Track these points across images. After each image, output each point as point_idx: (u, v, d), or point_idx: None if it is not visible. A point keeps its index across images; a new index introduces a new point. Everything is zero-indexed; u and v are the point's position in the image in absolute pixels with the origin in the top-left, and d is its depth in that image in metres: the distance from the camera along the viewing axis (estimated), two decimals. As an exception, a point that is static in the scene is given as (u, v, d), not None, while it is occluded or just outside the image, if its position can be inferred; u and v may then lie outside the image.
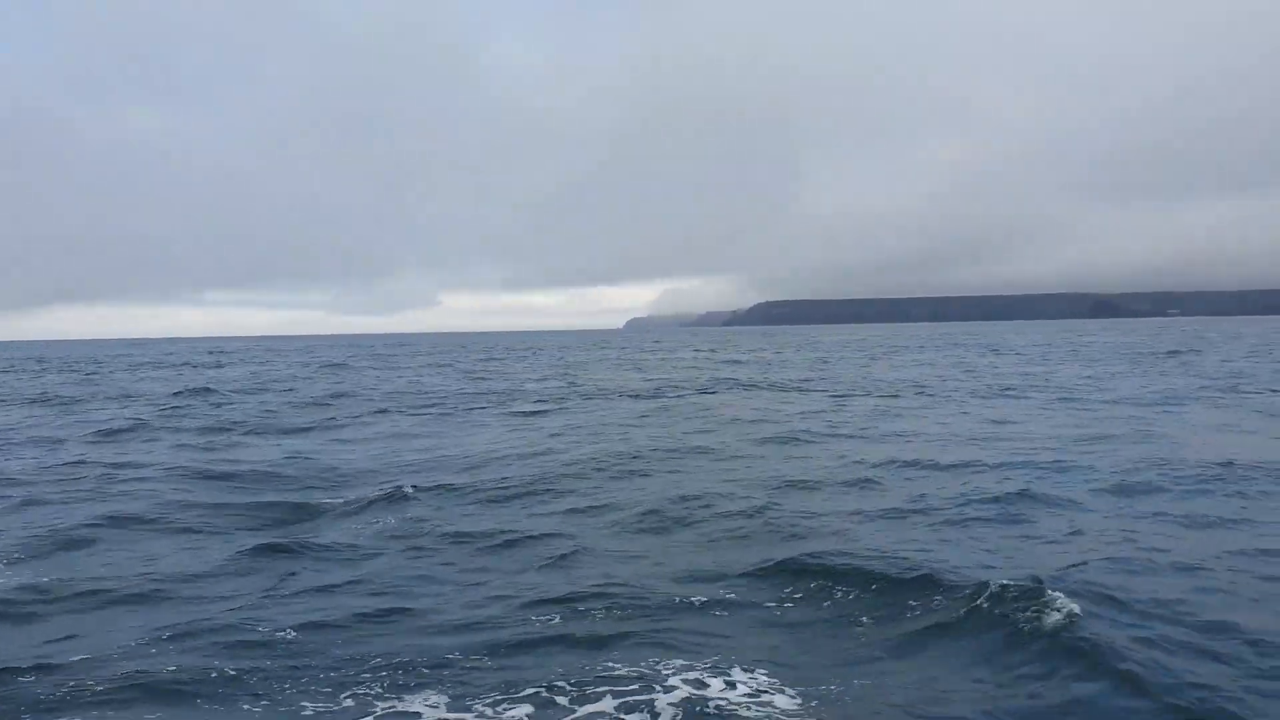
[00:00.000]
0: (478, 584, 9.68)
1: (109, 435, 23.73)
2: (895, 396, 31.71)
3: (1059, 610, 7.93)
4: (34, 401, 36.74)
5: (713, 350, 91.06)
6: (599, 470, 16.45)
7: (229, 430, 24.51)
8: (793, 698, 6.77)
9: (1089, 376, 39.32)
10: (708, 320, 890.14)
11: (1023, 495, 13.03)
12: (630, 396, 34.18)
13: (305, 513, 13.46)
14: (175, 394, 38.64)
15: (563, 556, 10.56)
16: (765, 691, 6.89)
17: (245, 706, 6.69)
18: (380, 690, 6.99)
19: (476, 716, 6.54)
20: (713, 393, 35.69)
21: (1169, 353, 58.24)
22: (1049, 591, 8.31)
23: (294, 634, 8.11)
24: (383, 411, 28.69)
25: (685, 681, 7.07)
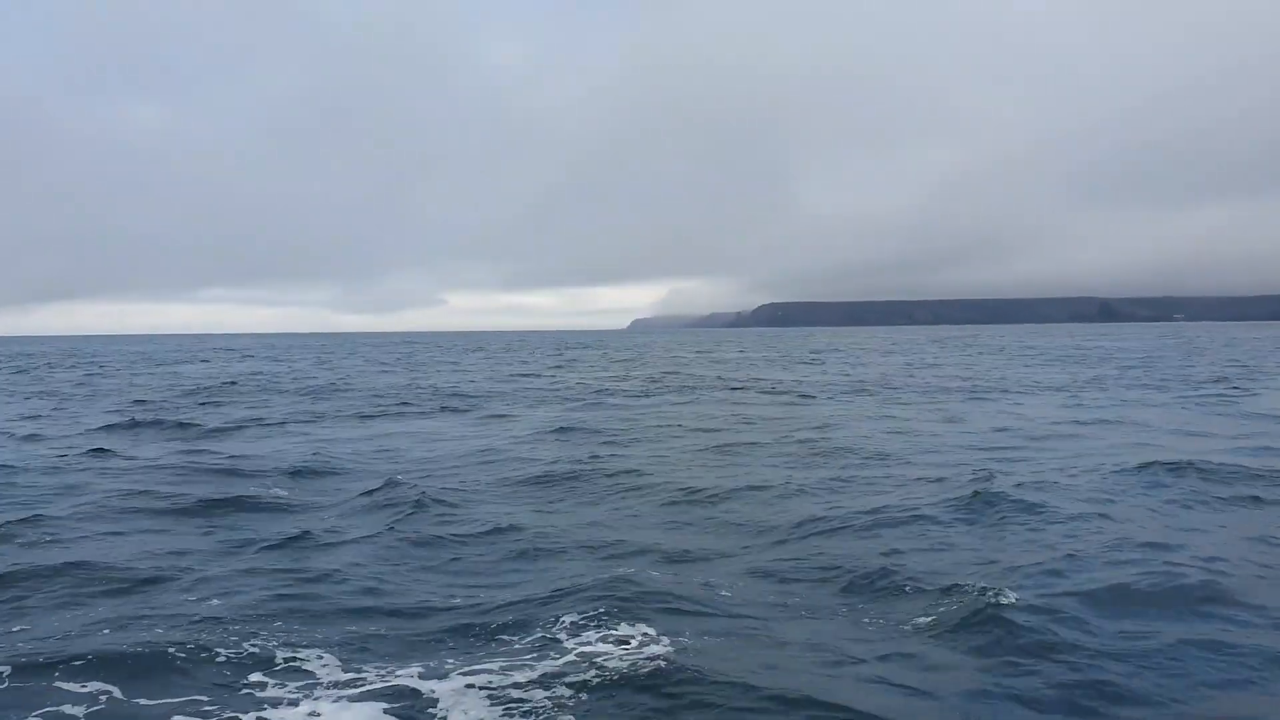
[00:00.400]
0: (403, 571, 10.28)
1: (93, 430, 24.41)
2: (871, 395, 32.42)
3: (979, 598, 8.33)
4: (28, 396, 37.50)
5: (708, 351, 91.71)
6: (556, 470, 16.93)
7: (207, 425, 25.18)
8: (666, 648, 7.49)
9: (1067, 380, 39.95)
10: (712, 321, 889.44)
11: (975, 496, 13.12)
12: (610, 397, 34.82)
13: (264, 506, 14.07)
14: (161, 392, 39.40)
15: (493, 546, 11.14)
16: (645, 643, 7.64)
17: (165, 651, 7.44)
18: (277, 643, 7.78)
19: (369, 673, 7.20)
20: (696, 392, 36.34)
21: (1157, 357, 58.76)
22: (975, 583, 8.74)
23: (219, 605, 8.85)
24: (359, 412, 29.35)
25: (579, 643, 7.70)
